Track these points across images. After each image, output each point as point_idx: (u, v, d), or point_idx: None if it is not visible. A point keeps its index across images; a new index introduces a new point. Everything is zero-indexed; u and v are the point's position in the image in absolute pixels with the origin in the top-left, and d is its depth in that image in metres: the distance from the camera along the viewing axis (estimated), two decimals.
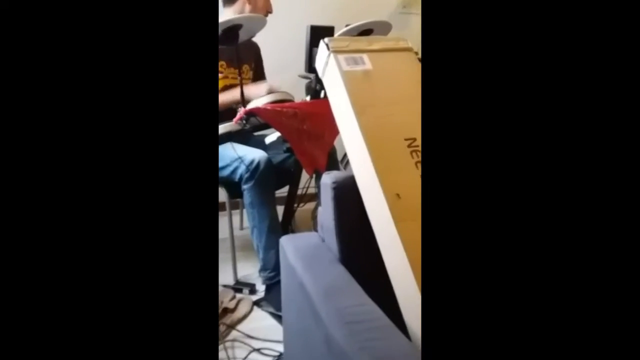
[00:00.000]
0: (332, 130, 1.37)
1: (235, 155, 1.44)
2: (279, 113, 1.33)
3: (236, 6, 1.61)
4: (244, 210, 1.66)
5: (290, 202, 1.63)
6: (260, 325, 1.37)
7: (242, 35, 1.33)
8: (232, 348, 1.28)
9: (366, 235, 0.79)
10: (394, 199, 0.74)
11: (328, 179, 0.86)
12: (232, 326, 1.37)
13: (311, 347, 0.76)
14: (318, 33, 1.35)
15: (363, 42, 0.92)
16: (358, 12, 1.77)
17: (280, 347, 1.23)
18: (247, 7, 1.59)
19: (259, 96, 1.39)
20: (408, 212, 0.73)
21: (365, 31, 1.41)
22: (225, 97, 1.57)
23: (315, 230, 0.98)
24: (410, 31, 2.10)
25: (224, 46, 1.34)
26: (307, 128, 1.38)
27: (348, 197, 0.84)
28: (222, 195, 1.59)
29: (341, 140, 0.90)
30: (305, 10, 2.01)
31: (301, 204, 1.64)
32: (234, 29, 1.28)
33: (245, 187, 1.45)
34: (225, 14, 1.62)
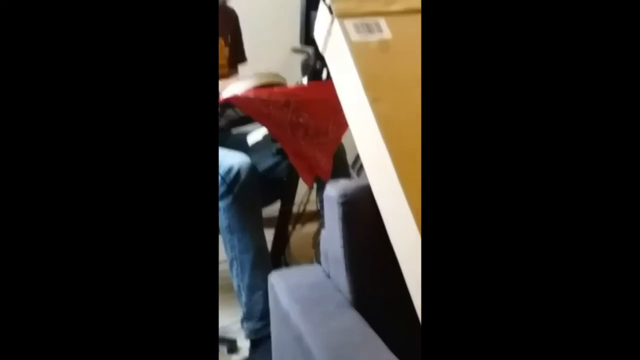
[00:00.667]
0: (339, 122, 1.38)
1: None
2: (265, 102, 1.34)
3: None
4: (220, 237, 1.67)
5: (283, 223, 1.64)
6: None
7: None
8: None
9: (387, 266, 0.80)
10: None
11: (334, 190, 0.86)
12: None
13: None
14: None
15: (379, 2, 0.92)
16: None
17: None
18: None
19: (239, 81, 1.40)
20: None
21: None
22: None
23: (318, 261, 0.99)
24: None
25: None
26: (304, 121, 1.39)
27: (362, 215, 0.85)
28: None
29: (351, 137, 0.90)
30: None
31: (298, 226, 1.65)
32: None
33: (220, 204, 1.45)
34: None
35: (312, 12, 1.22)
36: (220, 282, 1.71)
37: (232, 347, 1.56)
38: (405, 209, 0.75)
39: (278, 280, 0.97)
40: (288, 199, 1.61)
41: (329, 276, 0.93)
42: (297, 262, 1.71)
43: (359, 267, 0.86)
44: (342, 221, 0.85)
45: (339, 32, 0.88)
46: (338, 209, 0.85)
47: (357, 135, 0.89)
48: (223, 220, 1.46)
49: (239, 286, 1.49)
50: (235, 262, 1.48)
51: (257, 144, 1.51)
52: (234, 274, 1.49)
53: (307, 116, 1.39)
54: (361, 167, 1.39)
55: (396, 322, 0.78)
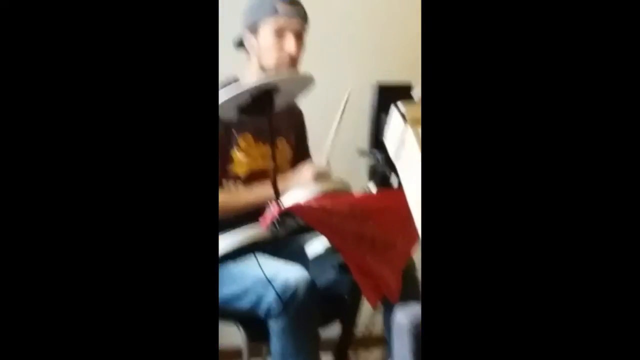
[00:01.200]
0: (409, 235, 1.37)
1: (261, 276, 1.44)
2: (328, 212, 1.36)
3: (250, 59, 1.71)
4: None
5: (343, 348, 1.60)
6: None
7: (280, 101, 1.40)
8: None
9: None
10: None
11: (405, 316, 0.87)
12: None
13: None
14: (388, 94, 1.41)
15: None
16: None
17: None
18: (254, 59, 1.69)
19: (301, 186, 1.41)
20: None
21: None
22: (248, 196, 1.63)
23: None
24: None
25: (252, 116, 1.40)
26: (370, 233, 1.39)
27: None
28: (238, 336, 1.59)
29: None
30: (369, 61, 2.14)
31: (360, 352, 1.61)
32: (267, 94, 1.35)
33: (274, 325, 1.45)
34: (249, 70, 1.72)
35: (383, 115, 1.26)
36: None
37: None
38: None
39: None
40: (350, 320, 1.58)
41: None
42: None
43: None
44: (414, 352, 0.83)
45: (414, 141, 0.91)
46: (409, 340, 0.83)
47: None
48: (277, 342, 1.44)
49: None
50: None
51: (318, 257, 1.51)
52: None
53: (374, 227, 1.39)
54: None
55: None
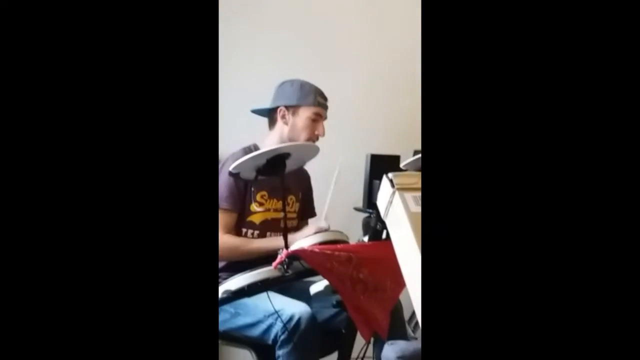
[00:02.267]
0: (397, 281, 1.37)
1: (271, 309, 1.45)
2: (328, 256, 1.36)
3: (276, 129, 1.78)
4: None
5: None
6: None
7: (290, 165, 1.44)
8: None
9: None
10: None
11: (392, 351, 0.86)
12: None
13: None
14: (380, 163, 1.44)
15: None
16: None
17: None
18: (286, 129, 1.76)
19: (305, 236, 1.44)
20: None
21: None
22: (264, 244, 1.66)
23: None
24: None
25: (267, 176, 1.45)
26: (364, 277, 1.39)
27: None
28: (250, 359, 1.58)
29: (408, 295, 0.91)
30: (364, 134, 2.18)
31: None
32: (280, 157, 1.40)
33: (280, 352, 1.44)
34: (270, 138, 1.78)
35: (375, 181, 1.29)
36: None
37: None
38: None
39: None
40: (345, 351, 1.56)
41: None
42: None
43: None
44: None
45: (400, 203, 0.93)
46: None
47: (414, 294, 0.89)
48: None
49: None
50: None
51: (319, 294, 1.50)
52: None
53: (367, 272, 1.38)
54: (416, 324, 1.37)
55: None
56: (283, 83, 1.81)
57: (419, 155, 1.48)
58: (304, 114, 1.75)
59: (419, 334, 0.87)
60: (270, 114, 1.81)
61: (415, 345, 0.87)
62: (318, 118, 1.76)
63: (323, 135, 1.78)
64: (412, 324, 1.60)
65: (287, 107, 1.76)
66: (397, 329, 1.52)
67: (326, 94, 1.81)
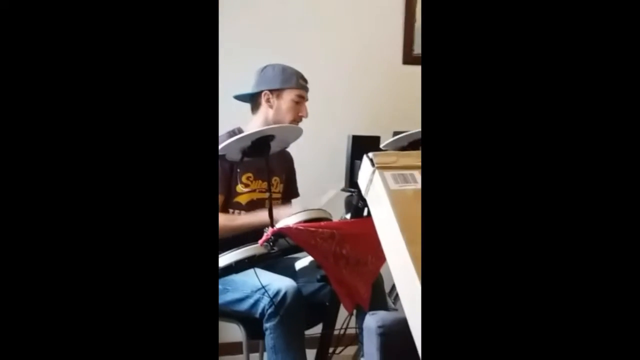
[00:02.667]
0: (378, 255, 1.37)
1: (258, 285, 1.44)
2: (312, 233, 1.36)
3: (260, 113, 1.76)
4: (265, 355, 1.62)
5: (324, 345, 1.58)
6: None
7: (275, 146, 1.43)
8: None
9: None
10: None
11: (373, 321, 0.86)
12: None
13: None
14: (361, 144, 1.43)
15: (414, 157, 0.96)
16: (408, 119, 1.87)
17: None
18: (270, 112, 1.73)
19: (290, 215, 1.43)
20: None
21: (416, 141, 1.48)
22: (249, 219, 1.64)
23: None
24: None
25: (252, 158, 1.43)
26: (346, 252, 1.39)
27: (400, 346, 0.83)
28: (239, 334, 1.57)
29: (388, 269, 0.90)
30: (348, 115, 2.15)
31: (339, 349, 1.58)
32: (265, 139, 1.38)
33: (267, 325, 1.43)
34: (254, 121, 1.76)
35: (357, 161, 1.28)
36: None
37: None
38: None
39: None
40: (329, 322, 1.56)
41: None
42: None
43: None
44: (381, 351, 0.83)
45: (379, 181, 0.91)
46: (376, 340, 0.83)
47: (393, 269, 0.88)
48: (269, 340, 1.42)
49: None
50: None
51: (304, 270, 1.50)
52: None
53: (349, 248, 1.39)
54: (397, 296, 1.36)
55: None
56: (265, 68, 1.78)
57: (398, 136, 1.47)
58: (288, 96, 1.73)
59: (399, 305, 0.87)
60: (253, 99, 1.78)
61: (395, 315, 0.86)
62: (301, 100, 1.75)
63: (306, 116, 1.76)
64: (393, 296, 1.60)
65: (271, 91, 1.73)
66: (378, 300, 1.54)
67: (308, 78, 1.78)
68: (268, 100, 1.74)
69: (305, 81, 1.77)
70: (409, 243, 0.82)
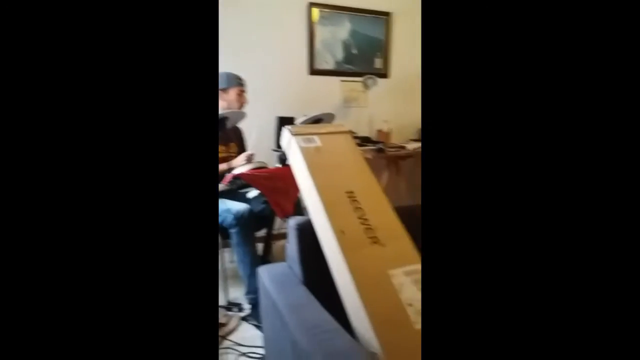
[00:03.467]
0: (295, 187, 1.38)
1: (225, 208, 1.43)
2: (257, 176, 1.36)
3: (220, 101, 1.67)
4: (232, 248, 1.62)
5: (267, 240, 1.61)
6: (247, 335, 1.31)
7: (229, 124, 1.38)
8: (226, 354, 1.22)
9: (322, 263, 0.79)
10: (340, 235, 0.76)
11: (293, 222, 0.86)
12: (224, 337, 1.30)
13: (282, 350, 0.74)
14: (283, 121, 1.43)
15: (315, 127, 0.97)
16: (312, 105, 1.87)
17: (262, 351, 1.18)
18: (224, 104, 1.65)
19: (241, 164, 1.41)
20: (350, 243, 0.74)
21: (317, 120, 1.49)
22: (219, 168, 1.58)
23: (285, 261, 0.97)
24: (349, 120, 2.23)
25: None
26: (278, 186, 1.41)
27: (308, 235, 0.84)
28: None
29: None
30: (275, 104, 2.10)
31: (275, 242, 1.61)
32: (222, 120, 1.32)
33: (232, 231, 1.42)
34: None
35: (281, 131, 1.26)
36: (233, 273, 1.65)
37: (240, 308, 1.48)
38: (330, 230, 0.75)
39: (263, 271, 0.94)
40: (270, 226, 1.59)
41: (290, 268, 0.91)
42: (275, 261, 1.67)
43: (306, 263, 0.85)
44: (297, 238, 0.84)
45: (294, 142, 0.91)
46: (295, 232, 0.85)
47: (304, 193, 0.89)
48: (234, 239, 1.42)
49: (243, 275, 1.43)
50: (241, 263, 1.43)
51: (253, 198, 1.50)
52: (240, 268, 1.43)
53: (280, 183, 1.40)
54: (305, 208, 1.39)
55: (327, 293, 0.76)
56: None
57: (305, 117, 1.47)
58: (233, 92, 1.63)
59: (307, 213, 0.88)
60: None
61: (306, 218, 0.89)
62: (242, 93, 1.66)
63: (247, 103, 1.67)
64: (306, 210, 1.64)
65: (222, 90, 1.64)
66: (298, 212, 1.57)
67: (247, 81, 1.69)
68: (221, 96, 1.65)
69: (242, 80, 1.67)
70: (313, 176, 0.84)
